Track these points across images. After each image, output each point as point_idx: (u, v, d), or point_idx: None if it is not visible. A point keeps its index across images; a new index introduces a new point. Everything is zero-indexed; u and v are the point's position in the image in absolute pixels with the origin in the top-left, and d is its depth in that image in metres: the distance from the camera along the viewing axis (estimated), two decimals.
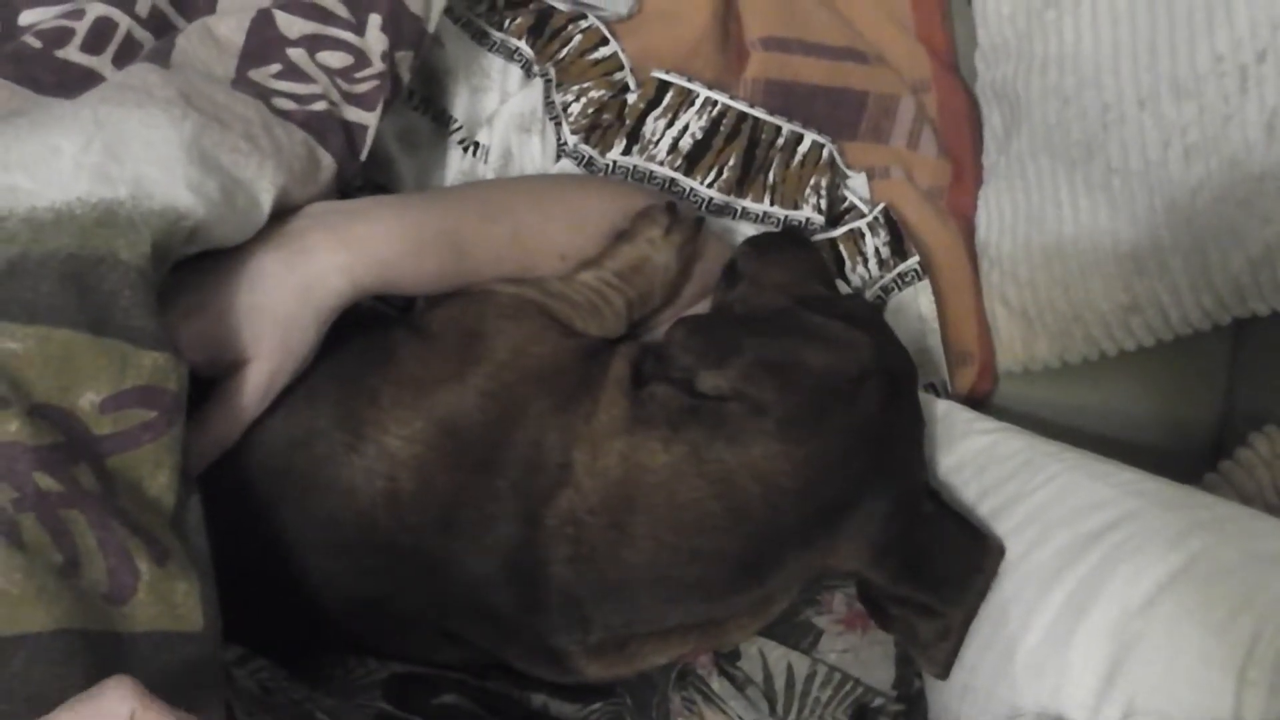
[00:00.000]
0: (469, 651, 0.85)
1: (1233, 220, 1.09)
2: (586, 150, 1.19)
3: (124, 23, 0.91)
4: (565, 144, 1.20)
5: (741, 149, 1.23)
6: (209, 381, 0.78)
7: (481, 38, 1.22)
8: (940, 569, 0.88)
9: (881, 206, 1.27)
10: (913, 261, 1.26)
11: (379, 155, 1.12)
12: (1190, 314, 1.18)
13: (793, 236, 1.06)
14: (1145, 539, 0.84)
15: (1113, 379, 1.30)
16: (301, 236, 0.82)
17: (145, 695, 0.48)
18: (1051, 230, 1.23)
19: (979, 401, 1.31)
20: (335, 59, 0.93)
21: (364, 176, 0.97)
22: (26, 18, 0.91)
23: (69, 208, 0.70)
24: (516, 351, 0.86)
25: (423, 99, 1.18)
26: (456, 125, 1.19)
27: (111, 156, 0.72)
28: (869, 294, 1.24)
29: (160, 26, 0.94)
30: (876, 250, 1.25)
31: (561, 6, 1.25)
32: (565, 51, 1.23)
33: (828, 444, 0.82)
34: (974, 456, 1.00)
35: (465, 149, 1.19)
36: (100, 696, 0.49)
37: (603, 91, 1.21)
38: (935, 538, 0.88)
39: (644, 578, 0.80)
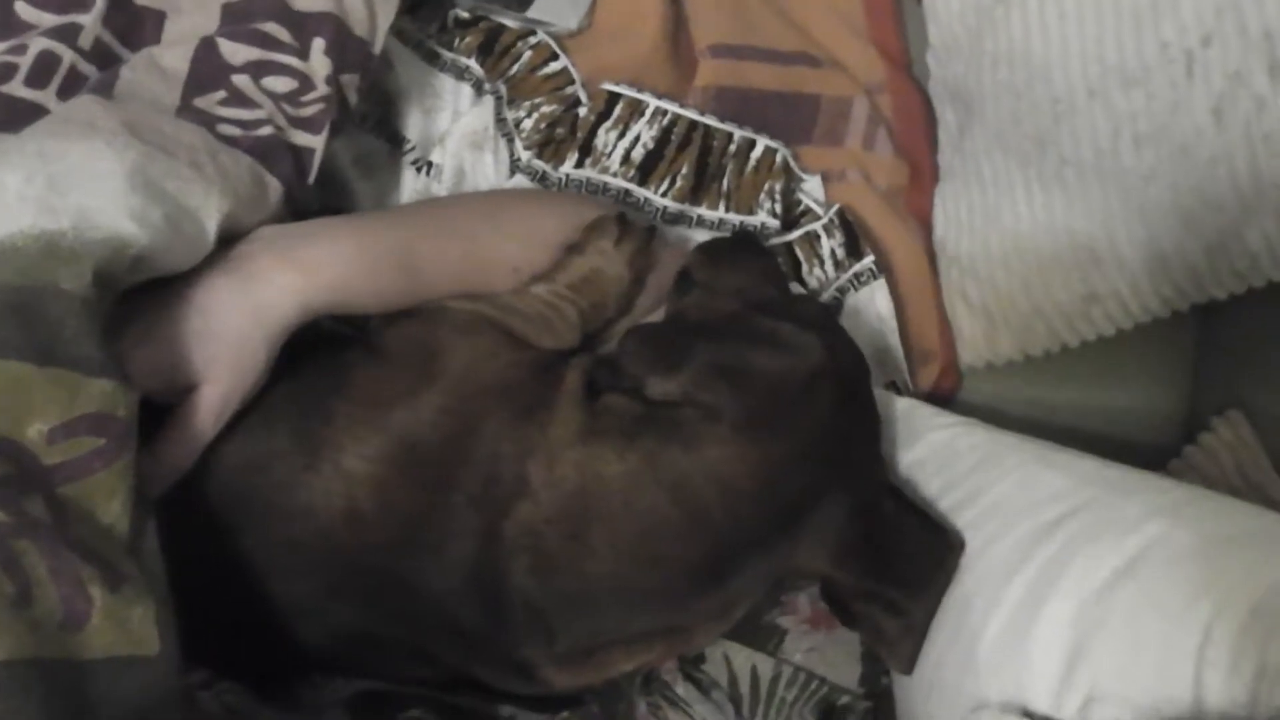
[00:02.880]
0: (436, 667, 0.85)
1: (1186, 207, 1.10)
2: (540, 165, 1.20)
3: (67, 56, 0.91)
4: (518, 159, 1.20)
5: (694, 157, 1.24)
6: (164, 408, 0.79)
7: (432, 58, 1.23)
8: (902, 565, 0.89)
9: (836, 208, 1.27)
10: (867, 261, 1.26)
11: (335, 180, 1.13)
12: (1149, 302, 1.19)
13: (745, 241, 1.07)
14: (1103, 526, 0.85)
15: (1078, 371, 1.31)
16: (251, 260, 0.82)
17: None
18: (1008, 225, 1.24)
19: (944, 399, 1.32)
20: (280, 84, 0.94)
21: (320, 201, 0.97)
22: None
23: (12, 240, 0.70)
24: (470, 367, 0.86)
25: (376, 121, 1.19)
26: (410, 146, 1.20)
27: (54, 189, 0.72)
28: (826, 295, 1.25)
29: (105, 58, 0.94)
30: (832, 252, 1.26)
31: (511, 23, 1.26)
32: (516, 68, 1.24)
33: (783, 446, 0.82)
34: (935, 452, 1.01)
35: (419, 169, 1.19)
36: None
37: (554, 106, 1.22)
38: (896, 535, 0.89)
39: (605, 586, 0.81)
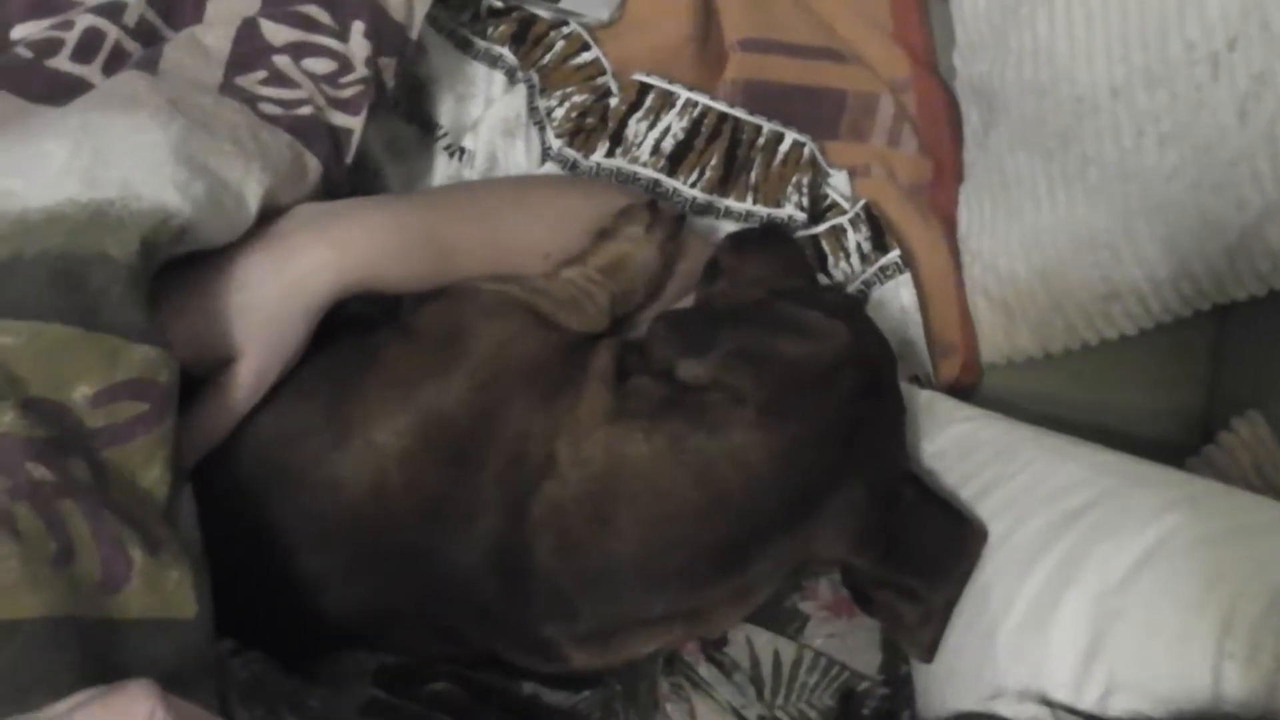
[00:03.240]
0: (459, 644, 0.86)
1: (1208, 206, 1.10)
2: (571, 153, 1.21)
3: (112, 33, 0.93)
4: (550, 148, 1.21)
5: (723, 149, 1.25)
6: (200, 380, 0.80)
7: (465, 46, 1.24)
8: (923, 554, 0.89)
9: (863, 203, 1.28)
10: (893, 255, 1.27)
11: (367, 163, 1.14)
12: (1170, 301, 1.19)
13: (772, 232, 1.08)
14: (1121, 517, 0.85)
15: (1097, 368, 1.31)
16: (288, 236, 0.84)
17: (165, 697, 0.50)
18: (1030, 222, 1.24)
19: (964, 393, 1.31)
20: (320, 65, 0.95)
21: (352, 184, 0.98)
22: (18, 31, 0.94)
23: (60, 209, 0.71)
24: (500, 347, 0.87)
25: (409, 107, 1.20)
26: (442, 132, 1.21)
27: (100, 160, 0.74)
28: (851, 288, 1.25)
29: (149, 36, 0.96)
30: (858, 245, 1.26)
31: (543, 14, 1.27)
32: (548, 57, 1.25)
33: (806, 432, 0.83)
34: (955, 443, 1.01)
35: (451, 154, 1.20)
36: (122, 692, 0.50)
37: (585, 96, 1.23)
38: (917, 523, 0.90)
39: (628, 567, 0.82)
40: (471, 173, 1.20)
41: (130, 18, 0.94)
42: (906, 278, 1.27)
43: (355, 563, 0.83)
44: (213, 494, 0.76)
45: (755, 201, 1.25)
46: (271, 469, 0.83)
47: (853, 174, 1.32)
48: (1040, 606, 0.85)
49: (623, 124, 1.23)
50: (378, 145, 1.15)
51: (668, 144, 1.23)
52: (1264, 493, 1.08)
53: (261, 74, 0.93)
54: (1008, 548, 0.90)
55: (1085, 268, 1.21)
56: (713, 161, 1.24)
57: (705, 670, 0.90)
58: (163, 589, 0.66)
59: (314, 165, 0.90)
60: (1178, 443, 1.28)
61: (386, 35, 1.00)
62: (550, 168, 1.21)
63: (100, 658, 0.62)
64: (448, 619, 0.85)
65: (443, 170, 1.20)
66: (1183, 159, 1.09)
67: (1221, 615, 0.75)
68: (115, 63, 0.93)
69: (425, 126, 1.21)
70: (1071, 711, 0.80)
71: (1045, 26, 1.18)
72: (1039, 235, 1.23)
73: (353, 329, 0.89)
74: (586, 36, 1.27)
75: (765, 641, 0.91)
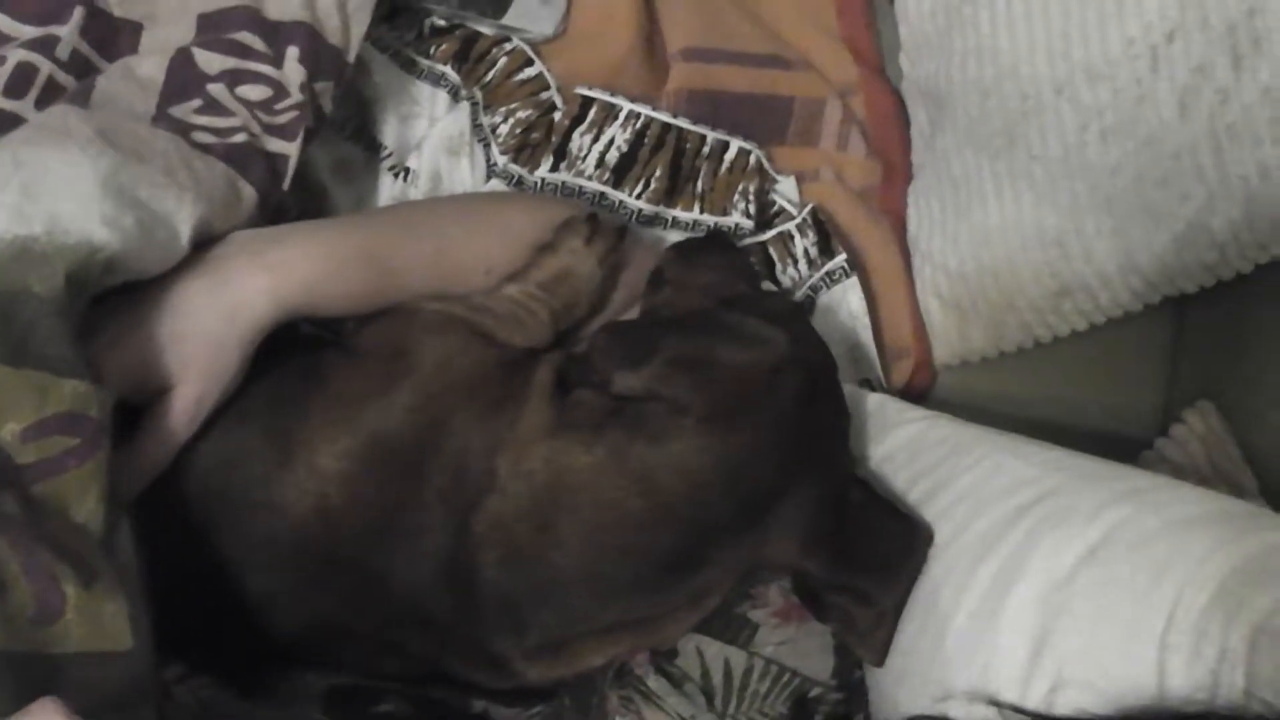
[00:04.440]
0: (408, 661, 0.86)
1: (1152, 200, 1.11)
2: (515, 169, 1.21)
3: (45, 67, 0.93)
4: (495, 164, 1.22)
5: (668, 159, 1.25)
6: (140, 409, 0.80)
7: (409, 66, 1.24)
8: (871, 556, 0.90)
9: (810, 208, 1.28)
10: (839, 260, 1.27)
11: (313, 186, 1.14)
12: (1120, 295, 1.20)
13: (715, 240, 1.08)
14: (1067, 513, 0.85)
15: (1053, 366, 1.32)
16: (224, 262, 0.84)
17: (72, 716, 0.50)
18: (979, 221, 1.25)
19: (918, 395, 1.33)
20: (255, 92, 0.95)
21: (299, 208, 0.99)
22: None
23: None
24: (441, 365, 0.87)
25: (354, 128, 1.20)
26: (387, 152, 1.21)
27: (27, 195, 0.74)
28: (799, 294, 1.26)
29: (82, 69, 0.96)
30: (805, 251, 1.27)
31: (487, 30, 1.27)
32: (491, 74, 1.25)
33: (747, 438, 0.83)
34: (904, 444, 1.02)
35: (396, 175, 1.20)
36: (28, 716, 0.50)
37: (530, 111, 1.23)
38: (864, 525, 0.90)
39: (574, 578, 0.82)
40: (416, 192, 1.20)
41: (63, 51, 0.94)
42: (854, 281, 1.27)
43: (302, 583, 0.83)
44: (158, 522, 0.76)
45: (702, 210, 1.25)
46: (215, 494, 0.83)
47: (802, 179, 1.33)
48: (988, 604, 0.84)
49: (566, 138, 1.23)
50: (324, 168, 1.16)
51: (612, 156, 1.23)
52: (1216, 483, 1.09)
53: (196, 103, 0.93)
54: (956, 547, 0.90)
55: (1035, 265, 1.22)
56: (657, 172, 1.24)
57: (654, 682, 0.90)
58: (99, 621, 0.66)
59: (249, 193, 0.90)
60: (1136, 437, 1.28)
61: (323, 59, 1.00)
62: (495, 184, 1.21)
63: (38, 689, 0.61)
64: (397, 636, 0.85)
65: (388, 191, 1.20)
66: (1126, 153, 1.10)
67: (1165, 608, 0.75)
68: (49, 97, 0.93)
69: (370, 147, 1.21)
70: (1019, 711, 0.80)
71: (988, 25, 1.19)
72: (988, 234, 1.24)
73: (298, 351, 0.89)
74: (530, 52, 1.27)
75: (715, 651, 0.91)
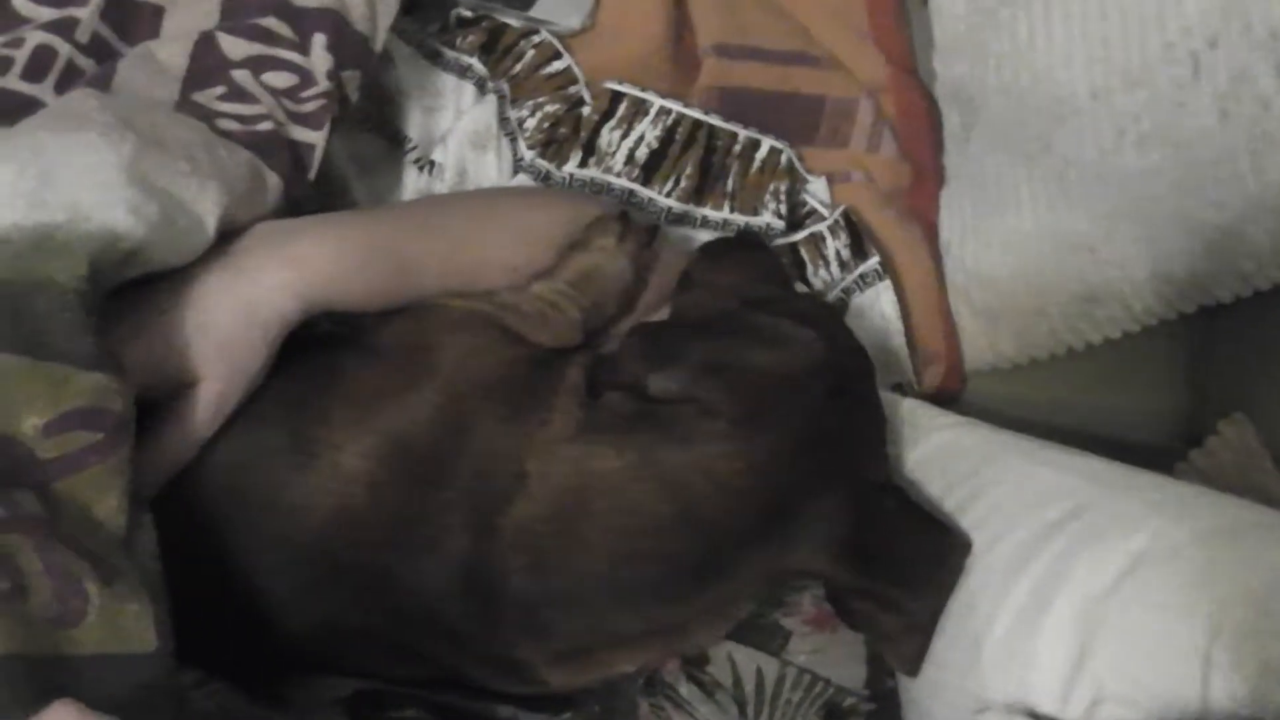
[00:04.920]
0: (428, 667, 0.85)
1: (1188, 207, 1.09)
2: (543, 164, 1.20)
3: (64, 50, 0.92)
4: (521, 159, 1.20)
5: (698, 157, 1.24)
6: (159, 405, 0.78)
7: (434, 57, 1.23)
8: (905, 564, 0.88)
9: (841, 209, 1.27)
10: (873, 262, 1.26)
11: (334, 178, 1.13)
12: (1152, 304, 1.19)
13: (746, 240, 1.07)
14: (1106, 525, 0.84)
15: (1084, 374, 1.31)
16: (245, 256, 0.82)
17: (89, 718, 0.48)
18: (1011, 226, 1.23)
19: (948, 400, 1.31)
20: (280, 79, 0.94)
21: (319, 200, 0.97)
22: None
23: (4, 234, 0.70)
24: (465, 363, 0.86)
25: (377, 120, 1.19)
26: (411, 145, 1.20)
27: (47, 182, 0.72)
28: (831, 296, 1.25)
29: (102, 53, 0.94)
30: (837, 253, 1.26)
31: (513, 22, 1.26)
32: (519, 67, 1.24)
33: (778, 442, 0.82)
34: (937, 451, 1.00)
35: (420, 168, 1.19)
36: (43, 716, 0.49)
37: (557, 105, 1.22)
38: (898, 533, 0.88)
39: (600, 583, 0.80)
40: (441, 186, 1.19)
41: (83, 34, 0.93)
42: (886, 284, 1.26)
43: (321, 585, 0.81)
44: (176, 521, 0.75)
45: (732, 210, 1.24)
46: (233, 493, 0.81)
47: (832, 180, 1.31)
48: (1026, 616, 0.83)
49: (595, 134, 1.22)
50: (344, 159, 1.14)
51: (642, 153, 1.22)
52: (1249, 496, 1.07)
53: (220, 89, 0.91)
54: (992, 557, 0.89)
55: (1067, 271, 1.20)
56: (688, 170, 1.23)
57: (686, 689, 0.89)
58: (120, 623, 0.65)
59: (274, 182, 0.88)
60: (1165, 447, 1.27)
61: (349, 48, 0.98)
62: (522, 179, 1.20)
63: (56, 694, 0.60)
64: (414, 640, 0.83)
65: (412, 184, 1.19)
66: (1163, 160, 1.08)
67: (1208, 622, 0.74)
68: (68, 81, 0.91)
69: (393, 139, 1.20)
70: None
71: (1024, 29, 1.18)
72: (1020, 239, 1.22)
73: (319, 347, 0.87)
74: (557, 45, 1.26)
75: (747, 659, 0.90)
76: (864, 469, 0.88)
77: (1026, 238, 1.22)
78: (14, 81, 0.89)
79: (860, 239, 1.27)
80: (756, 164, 1.26)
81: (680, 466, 0.80)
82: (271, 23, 0.95)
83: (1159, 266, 1.15)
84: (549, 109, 1.22)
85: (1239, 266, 1.11)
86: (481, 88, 1.23)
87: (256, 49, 0.94)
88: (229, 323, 0.79)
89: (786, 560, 0.83)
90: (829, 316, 0.95)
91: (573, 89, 1.24)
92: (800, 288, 1.22)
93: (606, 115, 1.22)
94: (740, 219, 1.23)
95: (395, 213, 1.02)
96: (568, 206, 1.01)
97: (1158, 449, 1.28)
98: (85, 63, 0.93)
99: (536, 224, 0.98)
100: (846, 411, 0.86)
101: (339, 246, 0.85)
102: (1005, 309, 1.26)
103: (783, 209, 1.25)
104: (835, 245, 1.25)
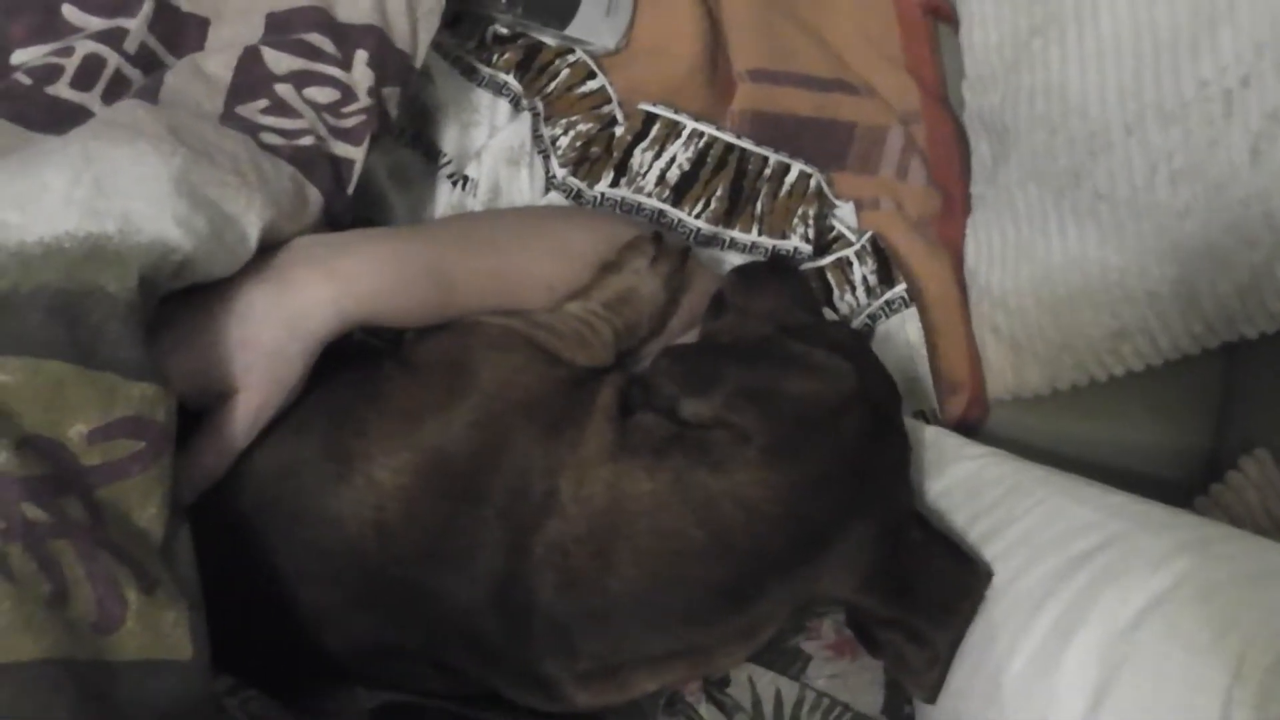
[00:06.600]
0: (458, 681, 0.85)
1: (1219, 245, 1.09)
2: (575, 183, 1.20)
3: (113, 60, 0.92)
4: (554, 177, 1.21)
5: (729, 179, 1.24)
6: (198, 414, 0.79)
7: (471, 73, 1.24)
8: (928, 594, 0.88)
9: (869, 235, 1.27)
10: (900, 289, 1.26)
11: (371, 191, 1.13)
12: (1179, 339, 1.19)
13: (778, 265, 1.07)
14: (1130, 561, 0.84)
15: (1105, 405, 1.31)
16: (288, 269, 0.83)
17: None
18: (1040, 258, 1.23)
19: (971, 429, 1.31)
20: (322, 94, 0.94)
21: (355, 213, 0.98)
22: (18, 56, 0.93)
23: (57, 242, 0.70)
24: (502, 382, 0.86)
25: (413, 134, 1.19)
26: (446, 159, 1.20)
27: (100, 192, 0.72)
28: (856, 322, 1.25)
29: (149, 63, 0.95)
30: (864, 278, 1.26)
31: (549, 41, 1.26)
32: (553, 85, 1.25)
33: (811, 471, 0.82)
34: (962, 482, 1.00)
35: (455, 183, 1.20)
36: None
37: (591, 125, 1.23)
38: (922, 563, 0.88)
39: (629, 605, 0.80)
40: (475, 202, 1.19)
41: (131, 44, 0.93)
42: (913, 312, 1.26)
43: (354, 598, 0.82)
44: (212, 530, 0.75)
45: (760, 233, 1.24)
46: (270, 504, 0.82)
47: (860, 206, 1.32)
48: (1047, 651, 0.83)
49: (628, 154, 1.22)
50: (382, 173, 1.15)
51: (673, 174, 1.23)
52: (1273, 532, 1.08)
53: (263, 103, 0.92)
54: (1015, 591, 0.88)
55: (1096, 305, 1.20)
56: (718, 192, 1.23)
57: (706, 710, 0.89)
58: (159, 630, 0.65)
59: (315, 196, 0.89)
60: (1186, 481, 1.27)
61: (390, 64, 0.99)
62: (554, 197, 1.21)
63: (97, 699, 0.61)
64: (447, 655, 0.84)
65: (446, 199, 1.20)
66: (1195, 197, 1.09)
67: (1231, 663, 0.74)
68: (115, 90, 0.92)
69: (429, 154, 1.20)
70: None
71: (1058, 62, 1.18)
72: (1049, 271, 1.22)
73: (355, 361, 0.88)
74: (592, 65, 1.26)
75: (767, 681, 0.90)
76: (892, 499, 0.88)
77: (1056, 270, 1.22)
78: (64, 90, 0.89)
79: (888, 265, 1.27)
80: (786, 188, 1.26)
81: (712, 492, 0.80)
82: (315, 38, 0.96)
83: (1189, 303, 1.15)
84: (582, 128, 1.22)
85: (1269, 305, 1.11)
86: (516, 105, 1.24)
87: (300, 64, 0.95)
88: (270, 336, 0.80)
89: (815, 587, 0.84)
90: (861, 346, 0.95)
91: (606, 109, 1.25)
92: (827, 313, 1.22)
93: (639, 136, 1.23)
94: (768, 242, 1.24)
95: (437, 229, 1.02)
96: (606, 227, 1.02)
97: (1177, 482, 1.28)
98: (133, 73, 0.93)
99: (577, 243, 0.98)
100: (877, 441, 0.87)
101: (381, 262, 0.86)
102: (1032, 340, 1.26)
103: (810, 233, 1.25)
104: (862, 271, 1.26)
